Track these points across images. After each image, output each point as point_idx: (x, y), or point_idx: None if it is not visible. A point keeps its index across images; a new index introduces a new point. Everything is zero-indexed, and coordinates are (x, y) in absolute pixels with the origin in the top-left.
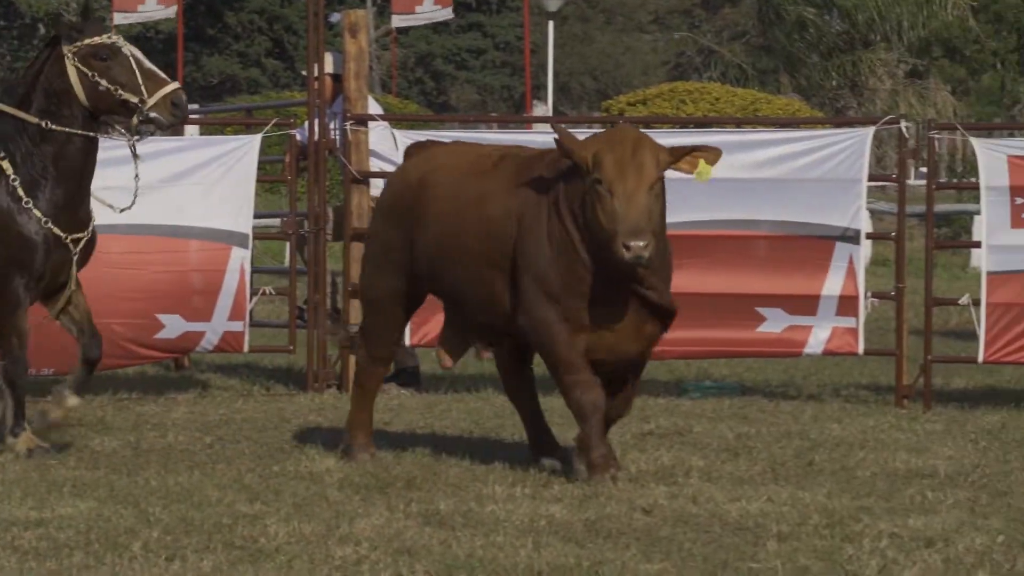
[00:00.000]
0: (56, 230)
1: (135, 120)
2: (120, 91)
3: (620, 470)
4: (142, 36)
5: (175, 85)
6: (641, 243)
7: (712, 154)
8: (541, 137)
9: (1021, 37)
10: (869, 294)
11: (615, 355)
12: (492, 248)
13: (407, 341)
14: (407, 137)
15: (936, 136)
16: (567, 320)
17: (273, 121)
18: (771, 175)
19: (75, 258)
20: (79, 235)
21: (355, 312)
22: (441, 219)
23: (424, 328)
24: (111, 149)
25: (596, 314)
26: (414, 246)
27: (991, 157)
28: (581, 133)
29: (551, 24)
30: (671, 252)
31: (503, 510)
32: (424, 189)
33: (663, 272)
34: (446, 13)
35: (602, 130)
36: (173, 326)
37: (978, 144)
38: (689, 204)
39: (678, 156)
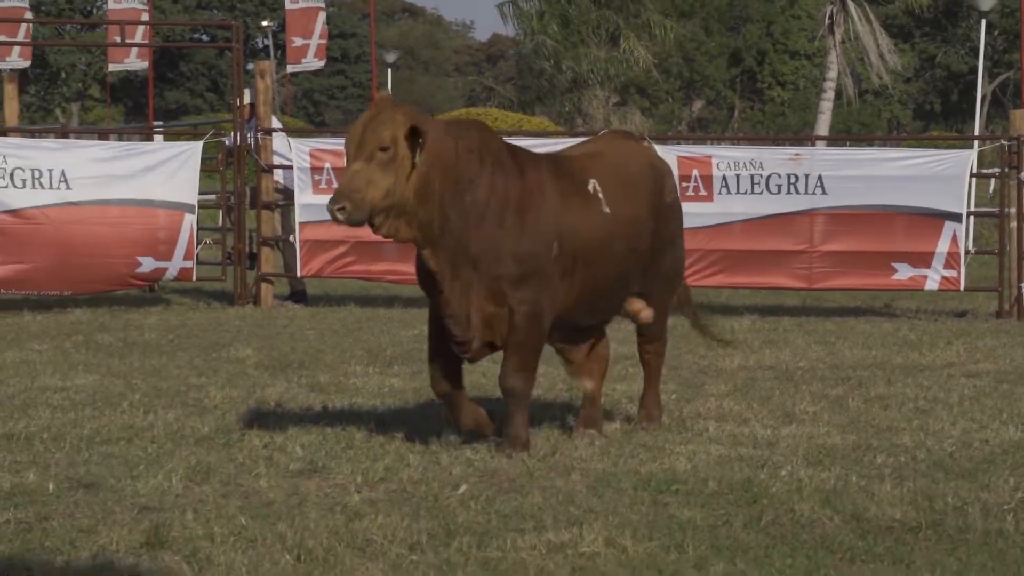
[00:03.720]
0: None
1: None
2: None
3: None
4: (127, 79)
5: None
6: (334, 206)
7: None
8: None
9: (682, 82)
10: None
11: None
12: None
13: (298, 273)
14: (297, 143)
15: None
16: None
17: (211, 133)
18: None
19: None
20: None
21: (265, 256)
22: None
23: (310, 264)
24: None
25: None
26: None
27: (665, 157)
28: None
29: (389, 70)
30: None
31: (361, 381)
32: None
33: (492, 258)
34: (320, 63)
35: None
36: (148, 264)
37: (658, 148)
38: None
39: (417, 135)
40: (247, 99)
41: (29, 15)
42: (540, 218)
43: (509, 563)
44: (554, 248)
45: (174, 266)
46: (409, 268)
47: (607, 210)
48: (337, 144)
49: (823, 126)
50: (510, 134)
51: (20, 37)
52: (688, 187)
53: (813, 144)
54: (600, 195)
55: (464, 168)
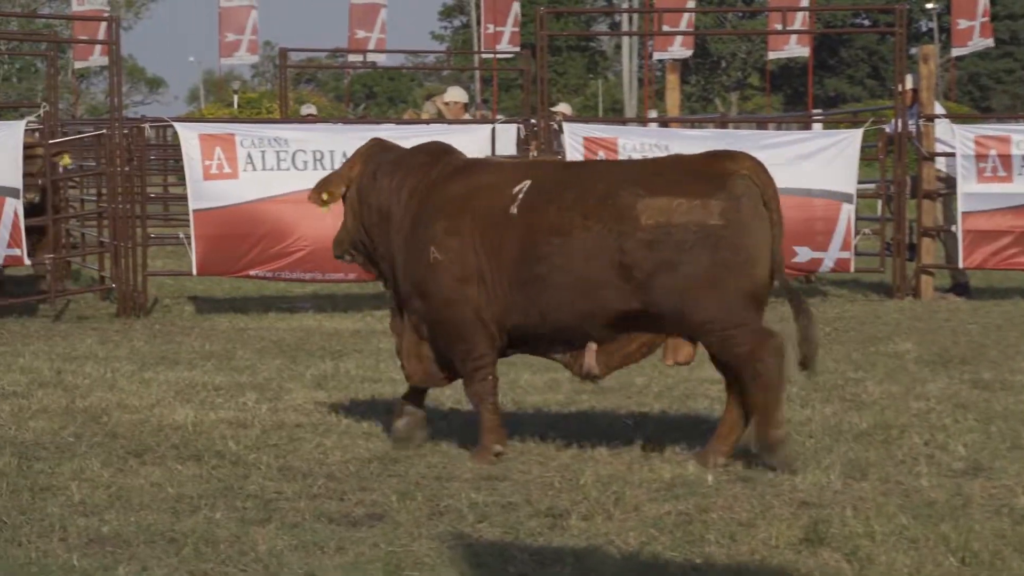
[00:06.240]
0: None
1: None
2: None
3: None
4: (787, 67)
5: None
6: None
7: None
8: None
9: None
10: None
11: None
12: None
13: (960, 264)
14: (961, 130)
15: None
16: None
17: (870, 120)
18: None
19: None
20: None
21: (926, 247)
22: None
23: (973, 255)
24: None
25: None
26: None
27: None
28: None
29: None
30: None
31: None
32: None
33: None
34: (988, 43)
35: None
36: (804, 254)
37: None
38: None
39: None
40: (909, 84)
41: (691, 4)
42: (418, 231)
43: None
44: (432, 253)
45: (831, 256)
46: None
47: (513, 211)
48: (1003, 131)
49: None
50: None
51: (682, 27)
52: None
53: None
54: (519, 197)
55: (368, 196)
